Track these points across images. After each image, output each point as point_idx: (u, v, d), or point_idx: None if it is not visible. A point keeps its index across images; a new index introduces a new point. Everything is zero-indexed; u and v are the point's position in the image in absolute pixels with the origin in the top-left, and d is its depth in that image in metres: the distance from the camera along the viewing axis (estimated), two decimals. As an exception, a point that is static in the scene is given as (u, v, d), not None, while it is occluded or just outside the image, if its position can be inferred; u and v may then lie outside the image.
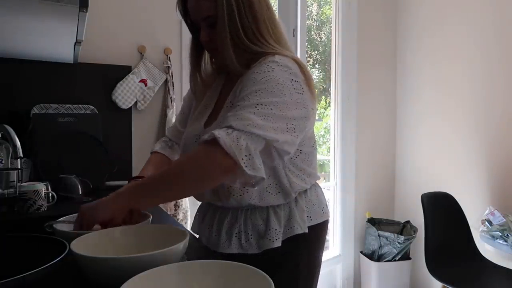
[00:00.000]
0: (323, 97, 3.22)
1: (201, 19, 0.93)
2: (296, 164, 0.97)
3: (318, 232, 1.03)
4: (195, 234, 1.11)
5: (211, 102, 1.04)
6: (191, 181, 0.80)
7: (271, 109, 0.80)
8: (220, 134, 0.74)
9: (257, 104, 0.80)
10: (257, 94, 0.81)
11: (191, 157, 0.81)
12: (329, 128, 2.98)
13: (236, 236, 0.97)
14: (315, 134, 1.06)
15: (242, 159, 0.74)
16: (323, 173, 3.22)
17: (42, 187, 1.25)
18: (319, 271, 1.07)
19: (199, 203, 1.14)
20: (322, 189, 1.11)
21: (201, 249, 1.01)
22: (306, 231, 0.97)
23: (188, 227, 1.98)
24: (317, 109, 0.95)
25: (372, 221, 2.83)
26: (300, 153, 0.97)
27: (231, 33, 0.90)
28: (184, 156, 0.84)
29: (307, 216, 1.00)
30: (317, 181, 1.09)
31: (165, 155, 1.16)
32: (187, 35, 2.10)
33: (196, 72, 1.06)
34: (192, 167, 0.79)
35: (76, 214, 0.95)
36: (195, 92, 1.08)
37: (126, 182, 1.03)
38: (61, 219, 0.93)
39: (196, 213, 1.14)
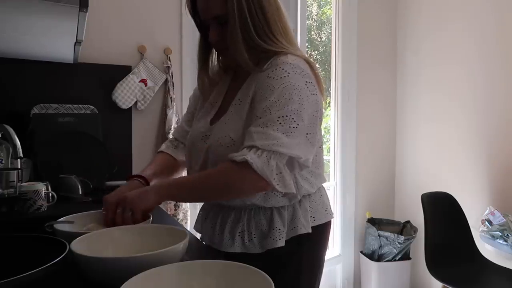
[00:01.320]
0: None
1: (211, 18, 0.93)
2: None
3: (321, 232, 1.04)
4: (197, 233, 1.11)
5: (217, 100, 1.04)
6: (222, 196, 0.92)
7: (293, 119, 0.84)
8: (252, 158, 0.80)
9: (279, 117, 0.83)
10: (277, 104, 0.84)
11: (224, 176, 0.86)
12: (329, 128, 2.98)
13: (239, 236, 0.97)
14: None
15: (274, 178, 0.81)
16: (324, 176, 3.21)
17: (42, 187, 1.25)
18: (321, 271, 1.07)
19: (200, 203, 1.15)
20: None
21: (202, 249, 1.01)
22: (310, 231, 0.98)
23: (188, 227, 1.98)
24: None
25: (372, 221, 2.83)
26: None
27: (243, 32, 0.90)
28: (218, 173, 0.88)
29: (311, 217, 1.00)
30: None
31: (169, 154, 1.17)
32: (187, 35, 2.12)
33: (204, 71, 1.06)
34: (226, 186, 0.87)
35: (76, 214, 0.96)
36: (203, 90, 1.08)
37: (125, 182, 1.04)
38: (61, 219, 0.93)
39: (199, 212, 1.14)
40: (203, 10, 0.94)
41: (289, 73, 0.87)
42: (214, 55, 1.07)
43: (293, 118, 0.83)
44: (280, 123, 0.82)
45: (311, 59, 0.97)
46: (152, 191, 0.87)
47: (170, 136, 1.26)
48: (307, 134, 0.86)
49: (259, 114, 0.86)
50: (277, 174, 0.81)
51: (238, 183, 0.84)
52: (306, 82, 0.87)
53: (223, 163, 0.86)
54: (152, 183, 1.03)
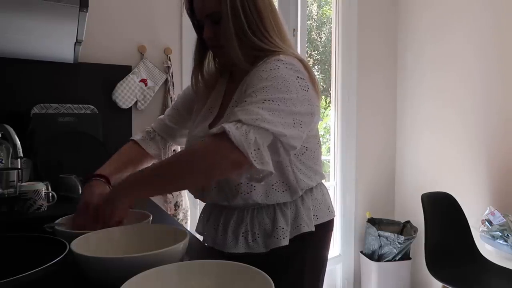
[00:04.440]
0: (323, 97, 3.22)
1: (206, 15, 0.94)
2: (302, 162, 0.97)
3: (324, 231, 1.04)
4: (199, 236, 1.11)
5: (215, 105, 1.03)
6: (198, 173, 0.79)
7: (278, 105, 0.80)
8: (230, 127, 0.74)
9: (265, 100, 0.80)
10: (264, 91, 0.82)
11: (198, 149, 0.80)
12: (329, 128, 2.98)
13: (242, 236, 0.96)
14: (316, 133, 1.06)
15: (251, 153, 0.74)
16: (323, 173, 3.22)
17: (42, 187, 1.25)
18: (325, 270, 1.07)
19: (201, 203, 1.14)
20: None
21: (202, 249, 1.01)
22: (313, 229, 0.97)
23: (188, 227, 1.98)
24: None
25: (372, 221, 2.83)
26: (306, 150, 0.97)
27: (236, 29, 0.90)
28: (192, 147, 0.83)
29: (314, 215, 1.00)
30: (322, 181, 1.09)
31: (140, 145, 1.15)
32: (187, 35, 2.12)
33: (198, 71, 1.06)
34: (200, 159, 0.78)
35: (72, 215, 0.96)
36: (196, 91, 1.08)
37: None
38: (61, 219, 0.93)
39: (200, 214, 1.13)
40: (199, 8, 0.95)
41: (279, 66, 0.86)
42: (210, 57, 1.07)
43: (278, 104, 0.81)
44: (264, 104, 0.80)
45: (308, 59, 0.96)
46: (119, 196, 0.82)
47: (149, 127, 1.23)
48: (294, 119, 0.83)
49: (245, 98, 0.83)
50: (255, 149, 0.74)
51: (215, 157, 0.76)
52: (298, 77, 0.87)
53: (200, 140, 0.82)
54: (112, 181, 1.02)
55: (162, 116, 1.23)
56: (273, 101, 0.80)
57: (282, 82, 0.83)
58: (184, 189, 1.00)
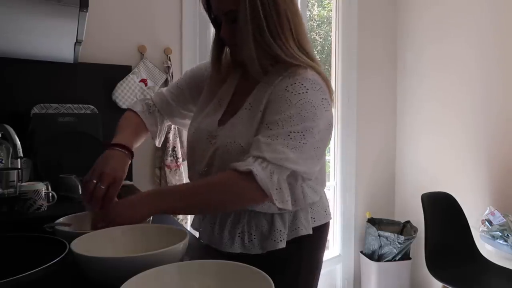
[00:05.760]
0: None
1: (223, 13, 0.91)
2: None
3: (320, 233, 1.04)
4: (195, 231, 1.11)
5: (225, 99, 1.02)
6: (221, 205, 0.89)
7: (304, 136, 0.84)
8: (257, 170, 0.79)
9: (290, 132, 0.83)
10: (291, 120, 0.84)
11: (225, 185, 0.84)
12: (329, 128, 2.98)
13: (239, 236, 0.96)
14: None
15: (274, 194, 0.81)
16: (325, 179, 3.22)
17: (42, 187, 1.24)
18: (319, 271, 1.07)
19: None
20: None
21: (202, 249, 1.00)
22: (311, 232, 0.97)
23: (188, 227, 1.98)
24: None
25: (372, 221, 2.83)
26: None
27: (254, 30, 0.87)
28: (218, 181, 0.86)
29: (311, 217, 1.00)
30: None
31: (141, 119, 1.12)
32: (187, 35, 2.12)
33: (216, 65, 1.03)
34: (225, 196, 0.85)
35: (76, 214, 0.96)
36: (210, 80, 1.06)
37: (128, 182, 1.03)
38: (61, 219, 0.93)
39: None
40: (216, 4, 0.92)
41: (307, 89, 0.86)
42: (227, 50, 1.03)
43: (304, 135, 0.83)
44: (290, 138, 0.83)
45: (324, 73, 0.93)
46: (145, 204, 0.84)
47: (148, 97, 1.19)
48: (315, 148, 0.86)
49: (270, 125, 0.85)
50: (277, 189, 0.81)
51: (239, 195, 0.84)
52: (323, 99, 0.87)
53: (225, 172, 0.85)
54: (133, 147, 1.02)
55: (164, 91, 1.17)
56: (298, 132, 0.84)
57: (309, 108, 0.85)
58: (204, 214, 1.05)
